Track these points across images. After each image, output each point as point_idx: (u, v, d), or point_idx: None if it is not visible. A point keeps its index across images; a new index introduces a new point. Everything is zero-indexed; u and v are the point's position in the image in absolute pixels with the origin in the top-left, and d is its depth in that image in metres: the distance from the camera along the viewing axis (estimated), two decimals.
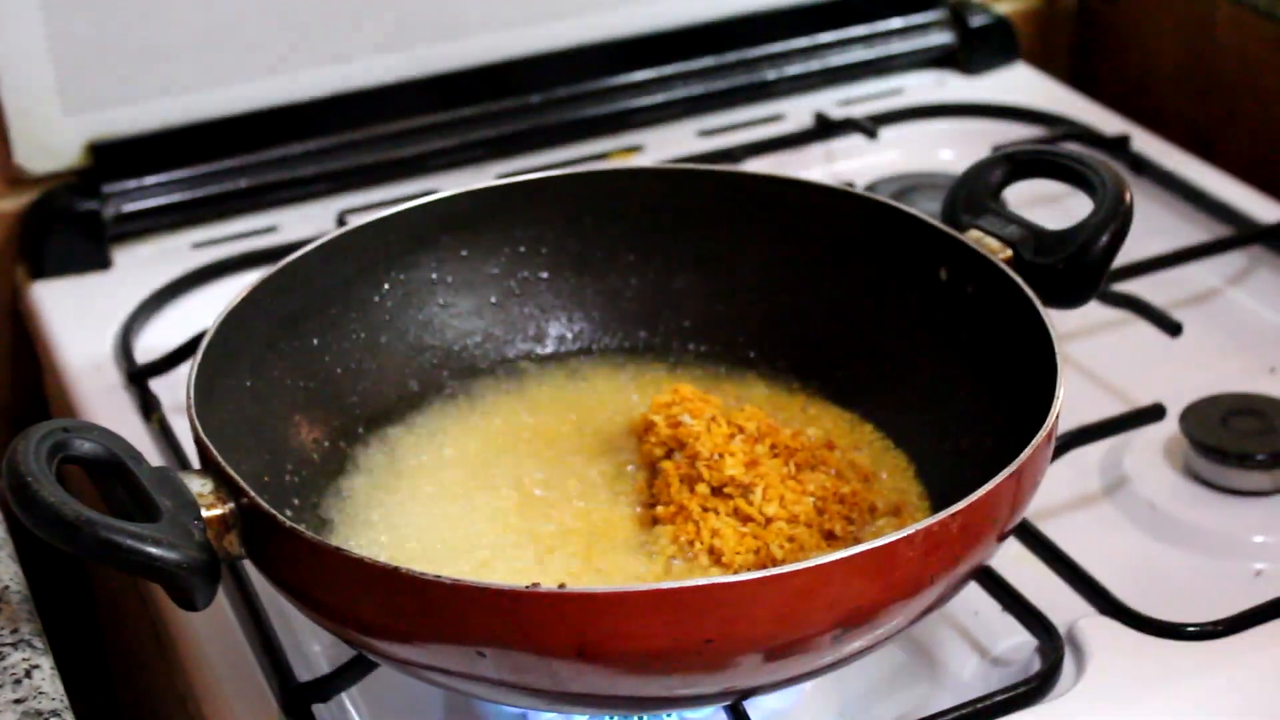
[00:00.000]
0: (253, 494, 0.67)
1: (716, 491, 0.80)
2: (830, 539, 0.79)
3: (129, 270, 1.12)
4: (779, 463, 0.82)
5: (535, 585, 0.63)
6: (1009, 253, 0.83)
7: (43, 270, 1.12)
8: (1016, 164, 0.87)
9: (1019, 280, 0.80)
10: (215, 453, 0.70)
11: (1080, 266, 0.82)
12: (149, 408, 0.98)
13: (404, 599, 0.64)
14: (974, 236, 0.84)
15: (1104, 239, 0.81)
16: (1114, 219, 0.81)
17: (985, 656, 0.82)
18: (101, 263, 1.12)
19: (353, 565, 0.65)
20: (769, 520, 0.78)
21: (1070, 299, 0.83)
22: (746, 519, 0.79)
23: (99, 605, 1.16)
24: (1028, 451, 0.69)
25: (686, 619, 0.62)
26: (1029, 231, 0.83)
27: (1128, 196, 0.82)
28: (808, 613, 0.64)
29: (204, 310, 1.05)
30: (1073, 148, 0.95)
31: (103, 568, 1.01)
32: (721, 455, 0.80)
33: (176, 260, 1.12)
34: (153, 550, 0.64)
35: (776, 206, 0.92)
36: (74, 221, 1.12)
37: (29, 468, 0.65)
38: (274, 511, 0.67)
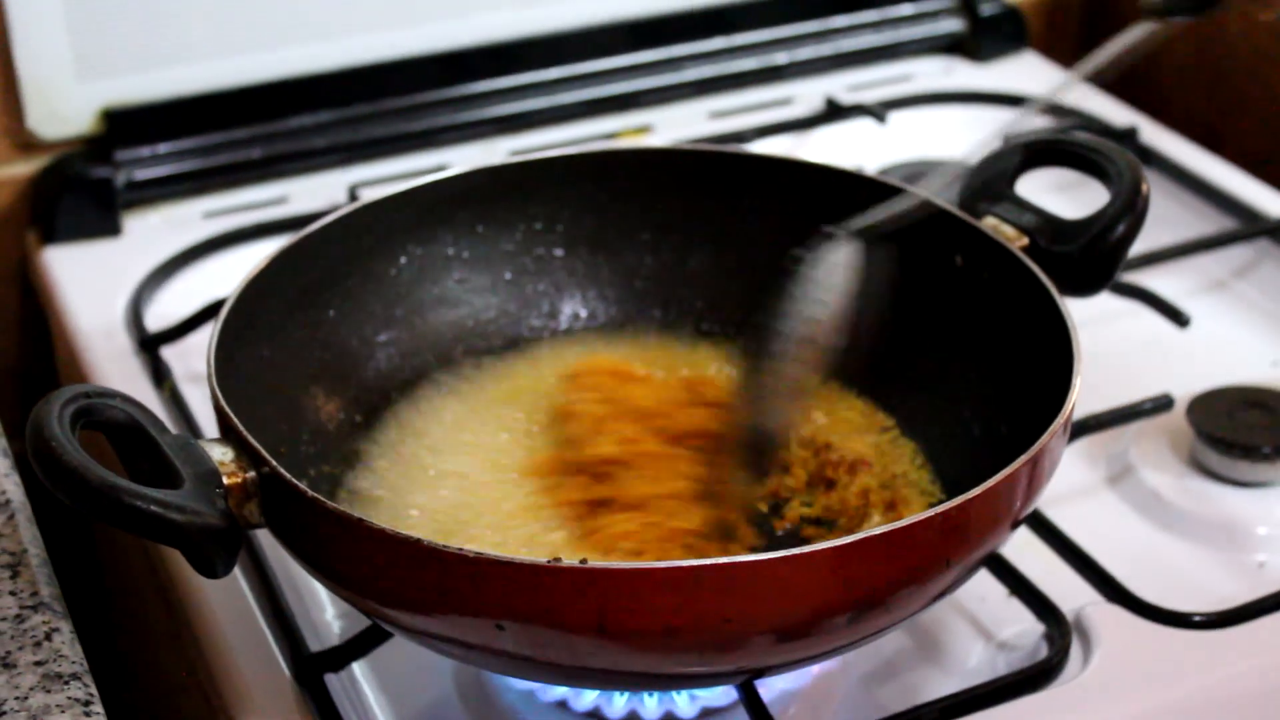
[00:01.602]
0: (274, 463, 0.68)
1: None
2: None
3: (140, 238, 1.12)
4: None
5: (557, 560, 0.63)
6: (1025, 240, 0.83)
7: (53, 236, 1.12)
8: (1033, 152, 0.87)
9: (1035, 268, 0.81)
10: (236, 421, 0.70)
11: (1096, 255, 0.82)
12: (160, 375, 0.98)
13: (425, 571, 0.64)
14: (990, 224, 0.84)
15: (1121, 227, 0.81)
16: (1131, 208, 0.81)
17: (991, 642, 0.83)
18: (112, 229, 1.12)
19: (374, 536, 0.65)
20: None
21: (1085, 287, 0.83)
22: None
23: (107, 572, 1.16)
24: (1046, 437, 0.70)
25: (707, 597, 0.63)
26: (1045, 219, 0.83)
27: (1144, 186, 0.82)
28: (826, 594, 0.65)
29: (215, 279, 1.05)
30: (1087, 137, 0.96)
31: (112, 533, 1.02)
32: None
33: (187, 229, 1.12)
34: (176, 517, 0.64)
35: (792, 189, 0.92)
36: (86, 188, 1.12)
37: (53, 432, 0.65)
38: (295, 481, 0.67)
